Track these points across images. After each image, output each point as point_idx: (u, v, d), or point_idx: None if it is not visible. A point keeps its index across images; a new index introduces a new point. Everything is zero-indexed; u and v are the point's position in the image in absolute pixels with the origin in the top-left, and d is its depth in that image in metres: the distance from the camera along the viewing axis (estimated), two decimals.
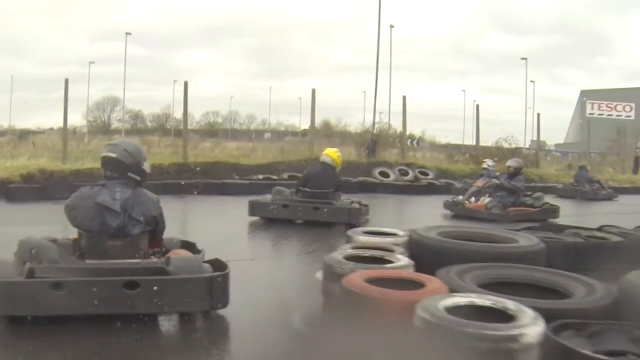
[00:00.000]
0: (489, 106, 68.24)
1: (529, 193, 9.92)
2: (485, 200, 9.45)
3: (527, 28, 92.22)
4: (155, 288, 3.12)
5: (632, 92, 53.34)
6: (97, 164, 11.04)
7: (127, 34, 45.50)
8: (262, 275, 4.68)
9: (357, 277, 3.15)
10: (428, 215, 9.23)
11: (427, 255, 3.97)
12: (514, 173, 9.65)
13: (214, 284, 3.25)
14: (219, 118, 53.66)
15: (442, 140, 26.96)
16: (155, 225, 3.57)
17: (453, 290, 2.99)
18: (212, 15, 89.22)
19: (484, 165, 14.92)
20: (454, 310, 2.56)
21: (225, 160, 13.98)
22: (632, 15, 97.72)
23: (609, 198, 14.70)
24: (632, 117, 51.54)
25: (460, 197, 9.85)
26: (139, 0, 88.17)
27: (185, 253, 3.62)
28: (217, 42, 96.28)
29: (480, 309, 2.64)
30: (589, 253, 4.45)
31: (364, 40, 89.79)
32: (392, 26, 25.48)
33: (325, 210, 7.50)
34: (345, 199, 8.02)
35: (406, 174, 14.79)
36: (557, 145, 32.13)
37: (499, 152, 17.27)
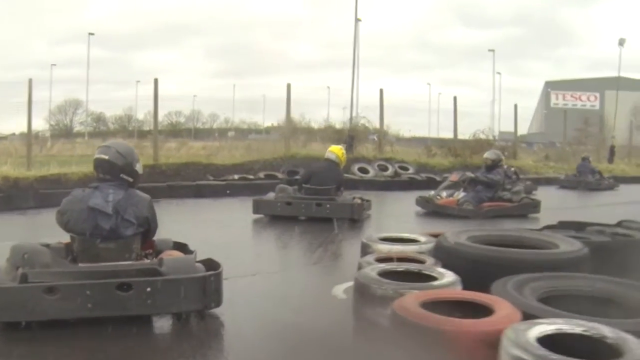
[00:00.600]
0: (451, 98, 68.42)
1: (508, 187, 9.71)
2: (460, 195, 9.17)
3: (489, 21, 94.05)
4: (148, 289, 3.19)
5: (596, 82, 55.00)
6: (64, 169, 10.70)
7: (90, 34, 44.49)
8: (269, 293, 4.30)
9: (411, 301, 2.73)
10: (402, 214, 9.30)
11: (464, 266, 3.56)
12: (492, 166, 9.39)
13: (207, 283, 3.32)
14: (181, 118, 52.92)
15: (406, 134, 26.87)
16: (148, 226, 3.63)
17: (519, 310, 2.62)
18: (173, 14, 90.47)
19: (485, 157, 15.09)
20: (543, 341, 2.17)
21: (198, 160, 13.51)
22: (592, 6, 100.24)
23: (610, 188, 15.55)
24: (597, 107, 53.06)
25: (432, 192, 9.55)
26: (98, 2, 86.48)
27: (177, 254, 3.69)
28: (179, 41, 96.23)
29: (570, 336, 2.28)
30: (617, 252, 4.10)
31: (327, 35, 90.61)
32: (359, 19, 25.24)
33: (328, 206, 7.74)
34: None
35: (386, 169, 14.71)
36: (521, 136, 32.52)
37: (477, 145, 17.19)
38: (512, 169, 14.38)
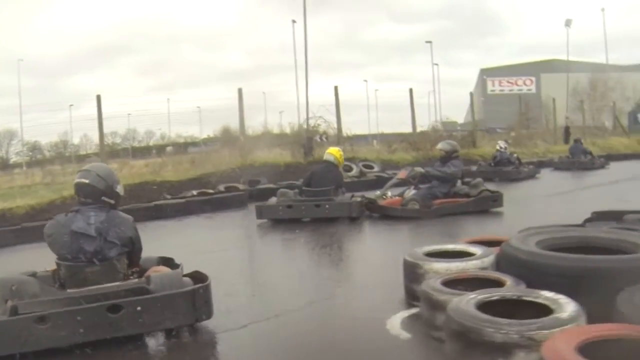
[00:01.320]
0: (387, 93, 69.76)
1: (468, 180, 9.17)
2: (410, 192, 8.79)
3: (417, 14, 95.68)
4: (138, 308, 3.29)
5: (530, 67, 57.25)
6: (7, 204, 9.69)
7: (19, 60, 42.81)
8: (302, 338, 3.46)
9: (563, 345, 2.11)
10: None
11: (553, 281, 2.95)
12: (446, 157, 8.99)
13: (196, 296, 3.43)
14: (117, 138, 51.47)
15: (347, 132, 26.84)
16: (132, 246, 3.78)
17: None
18: (101, 35, 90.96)
19: (497, 147, 15.33)
20: None
21: (151, 179, 12.68)
22: None
23: (602, 167, 16.84)
24: (534, 90, 54.70)
25: (378, 192, 9.11)
26: (23, 30, 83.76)
27: (164, 269, 3.80)
28: (109, 61, 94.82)
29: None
30: None
31: (254, 43, 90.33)
32: (294, 21, 24.80)
33: (327, 206, 8.21)
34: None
35: (350, 169, 14.32)
36: (461, 125, 33.00)
37: (436, 135, 17.01)
38: (515, 155, 14.60)
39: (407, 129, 18.41)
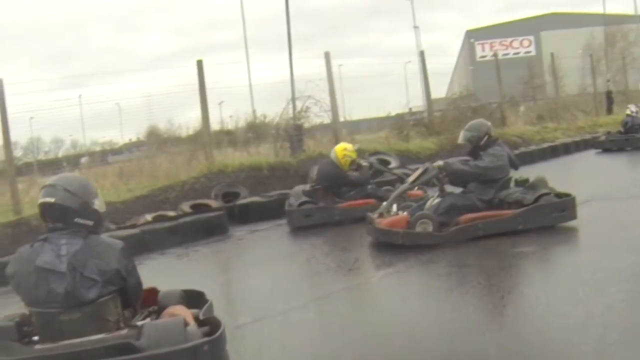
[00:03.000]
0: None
1: (525, 179, 7.40)
2: (434, 201, 7.25)
3: None
4: None
5: (527, 24, 56.31)
6: None
7: None
8: None
9: None
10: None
11: None
12: (477, 149, 7.28)
13: (199, 354, 3.09)
14: (17, 150, 48.61)
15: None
16: (122, 282, 3.48)
17: None
18: None
19: (627, 112, 15.55)
20: None
21: None
22: None
23: None
24: (533, 52, 54.04)
25: (384, 204, 7.63)
26: None
27: (181, 311, 3.58)
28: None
29: None
30: None
31: (176, 21, 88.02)
32: None
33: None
34: None
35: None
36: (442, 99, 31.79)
37: (459, 113, 15.41)
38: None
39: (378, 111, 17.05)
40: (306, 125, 13.93)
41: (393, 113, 19.29)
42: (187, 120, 14.55)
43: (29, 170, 40.18)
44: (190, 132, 15.51)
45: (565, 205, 6.93)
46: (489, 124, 7.64)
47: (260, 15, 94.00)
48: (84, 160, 40.69)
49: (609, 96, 24.28)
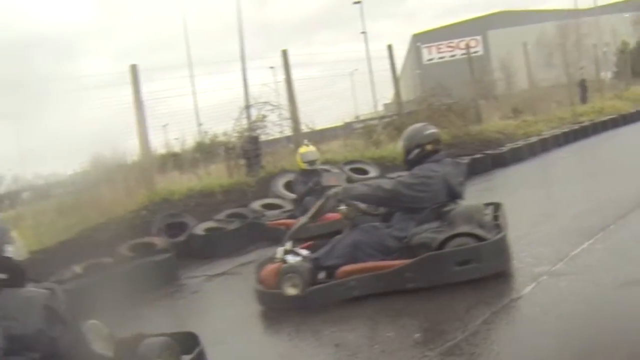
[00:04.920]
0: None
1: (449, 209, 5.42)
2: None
3: None
4: None
5: (474, 24, 57.69)
6: None
7: None
8: None
9: None
10: None
11: None
12: (416, 161, 5.48)
13: None
14: None
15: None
16: (51, 345, 2.78)
17: None
18: None
19: None
20: None
21: None
22: None
23: None
24: (481, 52, 54.12)
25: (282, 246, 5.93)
26: None
27: None
28: None
29: None
30: None
31: (116, 45, 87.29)
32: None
33: None
34: None
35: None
36: (386, 105, 30.75)
37: (429, 112, 13.94)
38: None
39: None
40: (263, 137, 12.06)
41: (361, 117, 17.84)
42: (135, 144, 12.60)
43: None
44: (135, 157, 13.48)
45: (471, 254, 4.85)
46: (429, 132, 5.61)
47: (203, 35, 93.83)
48: (25, 195, 38.88)
49: (582, 85, 24.11)
